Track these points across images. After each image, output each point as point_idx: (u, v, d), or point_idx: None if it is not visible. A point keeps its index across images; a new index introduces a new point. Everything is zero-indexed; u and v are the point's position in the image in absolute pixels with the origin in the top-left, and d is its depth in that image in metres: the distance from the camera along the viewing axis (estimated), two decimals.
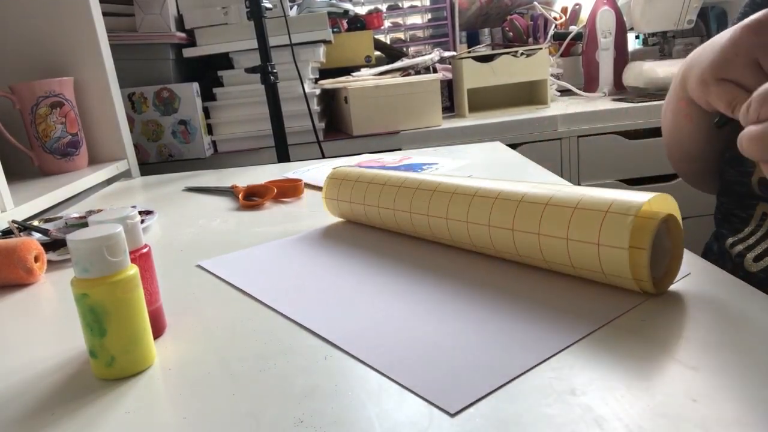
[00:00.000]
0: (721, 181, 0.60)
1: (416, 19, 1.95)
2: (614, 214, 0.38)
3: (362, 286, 0.46)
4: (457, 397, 0.30)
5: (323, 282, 0.47)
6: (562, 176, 1.38)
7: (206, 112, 1.38)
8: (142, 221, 0.68)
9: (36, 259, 0.55)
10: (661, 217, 0.37)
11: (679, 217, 0.40)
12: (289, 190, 0.78)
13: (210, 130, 1.39)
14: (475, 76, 1.49)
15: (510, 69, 1.50)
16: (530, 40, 1.75)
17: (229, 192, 0.85)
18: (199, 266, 0.55)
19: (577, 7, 1.78)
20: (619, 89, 1.60)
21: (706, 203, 1.41)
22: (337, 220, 0.65)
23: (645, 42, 1.74)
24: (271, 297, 0.45)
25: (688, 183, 0.70)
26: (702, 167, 0.65)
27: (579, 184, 1.39)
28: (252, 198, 0.79)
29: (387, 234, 0.58)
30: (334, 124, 1.57)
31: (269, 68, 1.17)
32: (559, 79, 1.67)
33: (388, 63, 1.60)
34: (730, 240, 0.57)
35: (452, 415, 0.29)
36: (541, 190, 0.44)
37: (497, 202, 0.45)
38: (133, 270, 0.36)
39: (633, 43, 1.86)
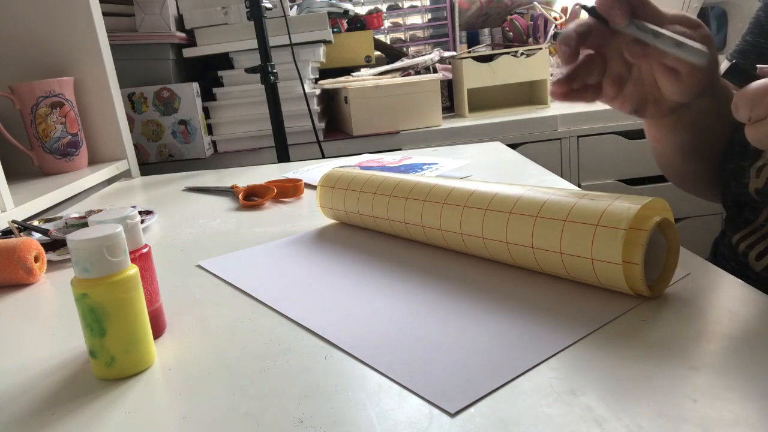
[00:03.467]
0: (726, 192, 0.60)
1: (416, 19, 1.95)
2: (605, 228, 0.37)
3: (362, 286, 0.46)
4: (457, 397, 0.30)
5: (323, 282, 0.47)
6: (562, 176, 1.38)
7: (206, 112, 1.38)
8: (142, 221, 0.68)
9: (36, 259, 0.55)
10: (651, 227, 0.37)
11: (672, 219, 0.40)
12: (289, 190, 0.78)
13: (210, 130, 1.39)
14: (475, 76, 1.49)
15: (510, 69, 1.50)
16: (530, 40, 1.75)
17: (229, 192, 0.85)
18: (199, 266, 0.55)
19: (577, 7, 1.78)
20: None
21: (706, 203, 1.41)
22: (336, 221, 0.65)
23: None
24: (271, 297, 0.45)
25: (687, 192, 0.71)
26: (695, 180, 0.66)
27: (579, 184, 1.39)
28: (252, 198, 0.79)
29: (386, 235, 0.58)
30: (334, 124, 1.57)
31: (269, 68, 1.17)
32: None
33: (388, 63, 1.60)
34: (735, 238, 0.57)
35: (452, 415, 0.29)
36: (531, 197, 0.43)
37: (488, 214, 0.45)
38: (133, 270, 0.36)
39: None
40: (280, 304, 0.44)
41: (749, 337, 0.33)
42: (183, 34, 1.35)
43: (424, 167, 0.87)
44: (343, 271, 0.49)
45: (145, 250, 0.40)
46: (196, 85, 1.32)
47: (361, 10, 1.87)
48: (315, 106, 1.37)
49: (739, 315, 0.36)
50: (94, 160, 1.10)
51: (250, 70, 1.19)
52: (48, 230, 0.65)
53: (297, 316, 0.41)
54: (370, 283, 0.46)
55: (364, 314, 0.41)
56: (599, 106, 1.42)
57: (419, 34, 1.95)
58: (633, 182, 1.41)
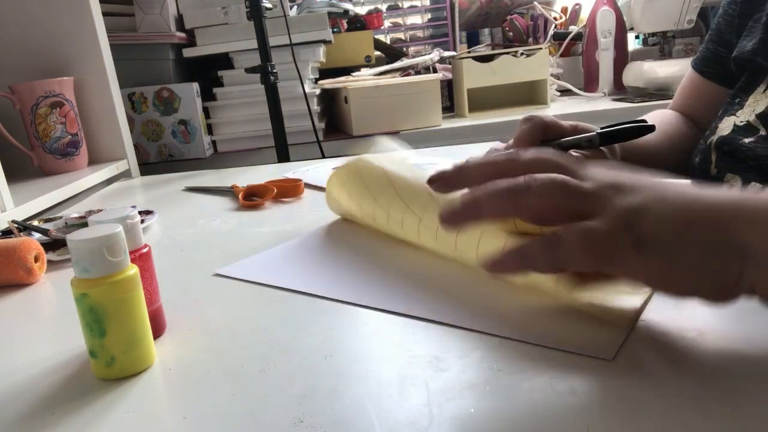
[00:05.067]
0: None
1: (416, 19, 1.95)
2: None
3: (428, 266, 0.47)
4: (607, 345, 0.32)
5: (382, 263, 0.48)
6: None
7: (206, 112, 1.38)
8: (142, 221, 0.68)
9: (36, 259, 0.55)
10: None
11: None
12: (289, 190, 0.78)
13: (210, 130, 1.39)
14: (475, 76, 1.49)
15: (510, 69, 1.50)
16: (530, 40, 1.75)
17: (229, 192, 0.85)
18: (218, 274, 0.51)
19: (577, 7, 1.78)
20: (619, 89, 1.60)
21: None
22: (337, 218, 0.65)
23: (645, 42, 1.73)
24: (324, 285, 0.46)
25: None
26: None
27: None
28: (252, 198, 0.79)
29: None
30: (334, 124, 1.57)
31: (269, 68, 1.17)
32: (559, 79, 1.67)
33: (388, 63, 1.60)
34: None
35: (610, 361, 0.31)
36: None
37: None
38: (133, 270, 0.36)
39: (633, 43, 1.86)
40: (342, 291, 0.44)
41: (749, 337, 0.33)
42: (183, 34, 1.35)
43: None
44: (380, 259, 0.50)
45: (145, 250, 0.40)
46: (196, 85, 1.32)
47: (361, 10, 1.87)
48: (315, 106, 1.37)
49: (738, 315, 0.36)
50: (94, 160, 1.10)
51: (250, 70, 1.19)
52: (48, 230, 0.65)
53: (370, 300, 0.42)
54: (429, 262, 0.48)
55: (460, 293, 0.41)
56: (599, 106, 1.42)
57: (419, 34, 1.95)
58: None
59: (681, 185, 0.33)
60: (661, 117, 0.73)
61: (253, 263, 0.53)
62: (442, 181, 0.37)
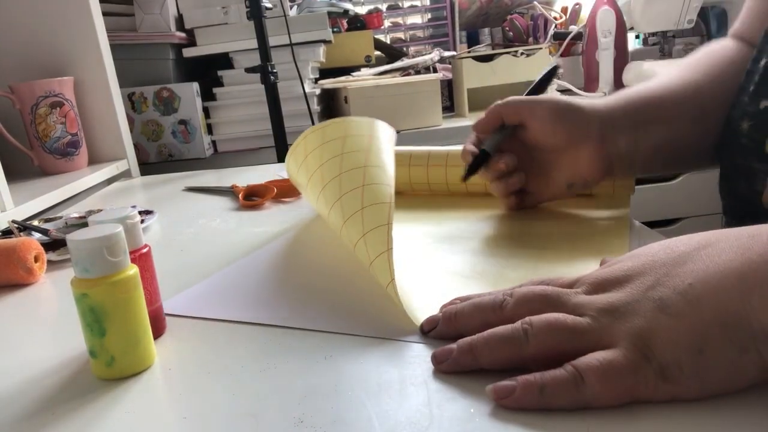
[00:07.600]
0: (732, 190, 0.56)
1: (416, 19, 1.95)
2: None
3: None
4: None
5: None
6: None
7: (206, 112, 1.38)
8: (142, 221, 0.68)
9: (36, 259, 0.55)
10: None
11: None
12: (289, 190, 0.78)
13: (210, 129, 1.39)
14: (475, 75, 1.49)
15: (510, 69, 1.50)
16: (530, 39, 1.75)
17: (229, 192, 0.85)
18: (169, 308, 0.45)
19: (577, 6, 1.78)
20: (619, 89, 1.60)
21: (706, 203, 1.41)
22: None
23: (645, 42, 1.74)
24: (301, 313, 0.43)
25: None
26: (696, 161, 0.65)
27: None
28: (252, 198, 0.79)
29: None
30: None
31: (269, 68, 1.17)
32: (559, 79, 1.67)
33: (388, 63, 1.60)
34: None
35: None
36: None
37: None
38: (133, 270, 0.36)
39: (633, 43, 1.86)
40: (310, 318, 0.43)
41: None
42: (183, 34, 1.35)
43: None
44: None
45: (145, 250, 0.40)
46: (196, 85, 1.32)
47: (361, 10, 1.87)
48: (315, 106, 1.37)
49: None
50: (94, 160, 1.10)
51: (250, 70, 1.19)
52: (48, 230, 0.65)
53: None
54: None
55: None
56: None
57: (419, 33, 1.95)
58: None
59: (675, 280, 0.30)
60: (704, 62, 0.62)
61: (203, 292, 0.48)
62: (435, 334, 0.36)
